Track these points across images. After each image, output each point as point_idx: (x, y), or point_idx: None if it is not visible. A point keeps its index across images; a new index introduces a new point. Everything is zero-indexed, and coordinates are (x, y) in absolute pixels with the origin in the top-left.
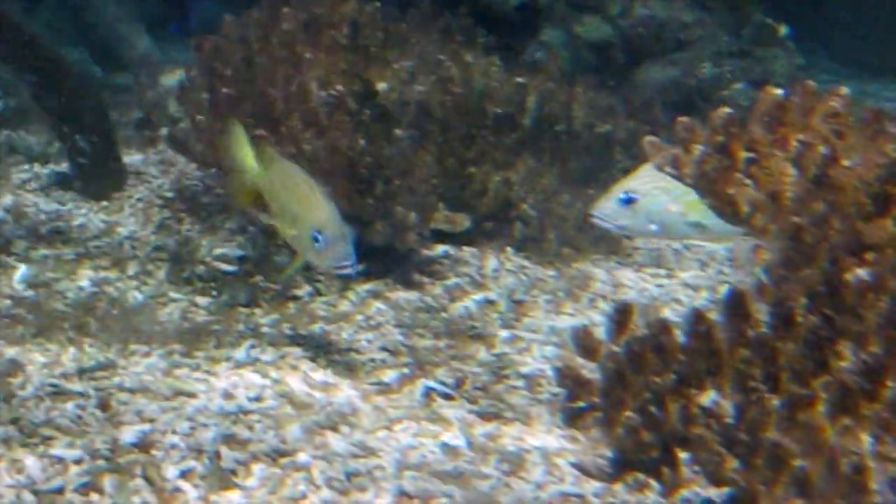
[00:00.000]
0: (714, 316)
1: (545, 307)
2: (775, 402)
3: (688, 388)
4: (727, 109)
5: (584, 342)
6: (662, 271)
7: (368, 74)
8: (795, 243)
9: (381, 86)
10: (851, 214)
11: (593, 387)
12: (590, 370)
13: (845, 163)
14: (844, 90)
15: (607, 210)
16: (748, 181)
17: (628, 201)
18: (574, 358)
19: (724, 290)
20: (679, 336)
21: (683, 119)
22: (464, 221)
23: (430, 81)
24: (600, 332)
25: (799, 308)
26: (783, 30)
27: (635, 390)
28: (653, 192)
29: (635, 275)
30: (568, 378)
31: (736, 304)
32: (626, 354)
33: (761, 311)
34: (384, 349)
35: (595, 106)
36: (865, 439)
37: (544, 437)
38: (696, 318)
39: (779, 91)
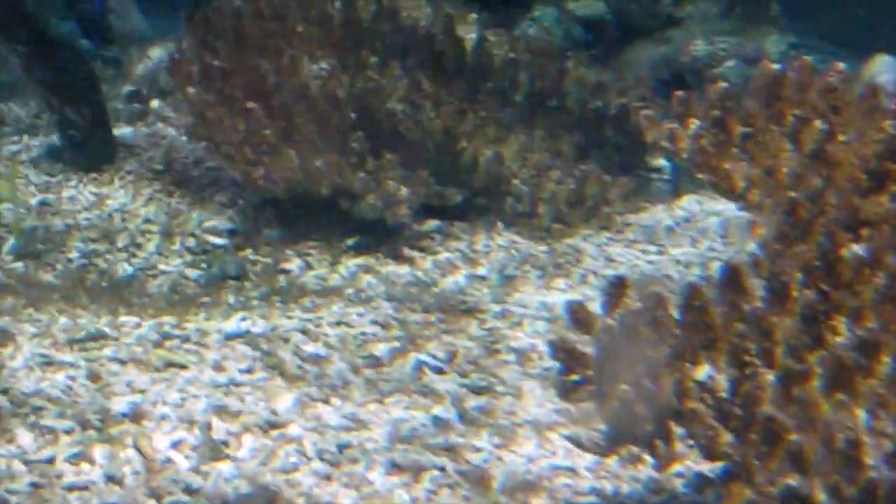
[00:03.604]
0: (709, 290)
1: (536, 282)
2: (770, 376)
3: (682, 362)
4: (724, 84)
5: (578, 316)
6: (653, 247)
7: (360, 48)
8: (791, 218)
9: (373, 59)
10: (848, 190)
11: (587, 360)
12: (583, 343)
13: (842, 138)
14: (841, 65)
15: None
16: (744, 156)
17: None
18: (566, 332)
19: (715, 266)
20: (674, 310)
21: (680, 93)
22: (455, 196)
23: (422, 56)
24: (593, 307)
25: (794, 283)
26: (775, 7)
27: (629, 364)
28: None
29: (626, 250)
30: (562, 351)
31: (731, 279)
32: (621, 328)
33: (756, 286)
34: (375, 323)
35: (587, 82)
36: (860, 415)
37: (536, 410)
38: (692, 292)
39: (776, 66)
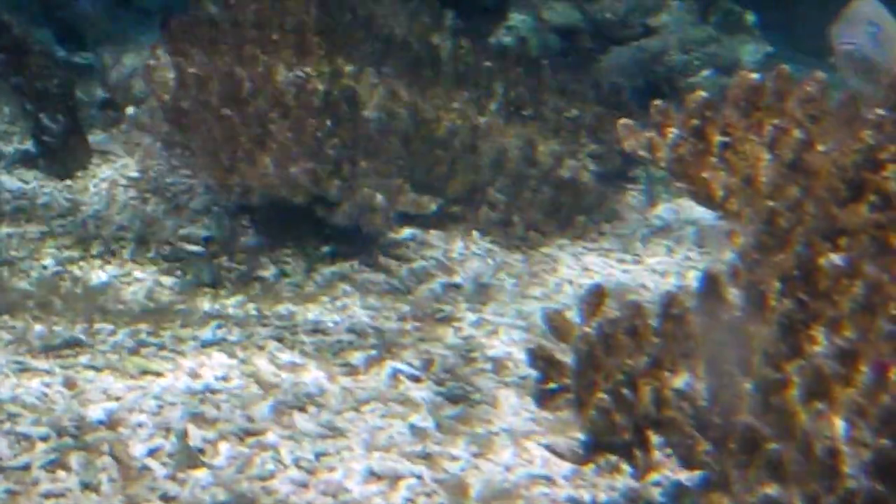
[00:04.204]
0: (687, 299)
1: (511, 291)
2: (748, 385)
3: (661, 370)
4: (702, 93)
5: (556, 324)
6: (629, 257)
7: (335, 56)
8: (769, 227)
9: (348, 68)
10: (826, 199)
11: (565, 368)
12: (561, 352)
13: (820, 147)
14: (821, 75)
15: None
16: (722, 165)
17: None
18: (543, 341)
19: (691, 275)
20: (652, 318)
21: (658, 102)
22: (430, 204)
23: (398, 63)
24: (569, 316)
25: (772, 292)
26: (750, 17)
27: (608, 372)
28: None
29: (602, 260)
30: (540, 359)
31: (709, 288)
32: (599, 336)
33: (734, 295)
34: (351, 331)
35: (562, 91)
36: (839, 424)
37: (512, 419)
38: (670, 300)
39: (754, 75)
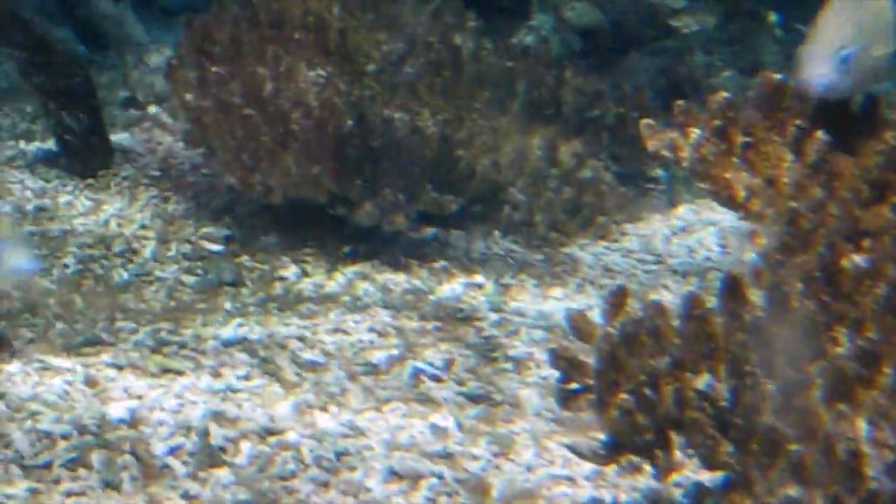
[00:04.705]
0: (709, 300)
1: (533, 291)
2: (771, 386)
3: (683, 371)
4: (725, 94)
5: (578, 324)
6: (650, 257)
7: (358, 55)
8: (792, 228)
9: (371, 67)
10: (849, 200)
11: (587, 369)
12: (584, 352)
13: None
14: None
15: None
16: (745, 166)
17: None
18: (564, 341)
19: (712, 276)
20: (674, 319)
21: (681, 103)
22: (452, 204)
23: (420, 63)
24: (591, 317)
25: (795, 293)
26: (772, 18)
27: (630, 373)
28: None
29: (623, 259)
30: (562, 359)
31: (732, 288)
32: (621, 337)
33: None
34: (372, 330)
35: (584, 91)
36: (861, 425)
37: (534, 419)
38: (692, 301)
39: (777, 75)
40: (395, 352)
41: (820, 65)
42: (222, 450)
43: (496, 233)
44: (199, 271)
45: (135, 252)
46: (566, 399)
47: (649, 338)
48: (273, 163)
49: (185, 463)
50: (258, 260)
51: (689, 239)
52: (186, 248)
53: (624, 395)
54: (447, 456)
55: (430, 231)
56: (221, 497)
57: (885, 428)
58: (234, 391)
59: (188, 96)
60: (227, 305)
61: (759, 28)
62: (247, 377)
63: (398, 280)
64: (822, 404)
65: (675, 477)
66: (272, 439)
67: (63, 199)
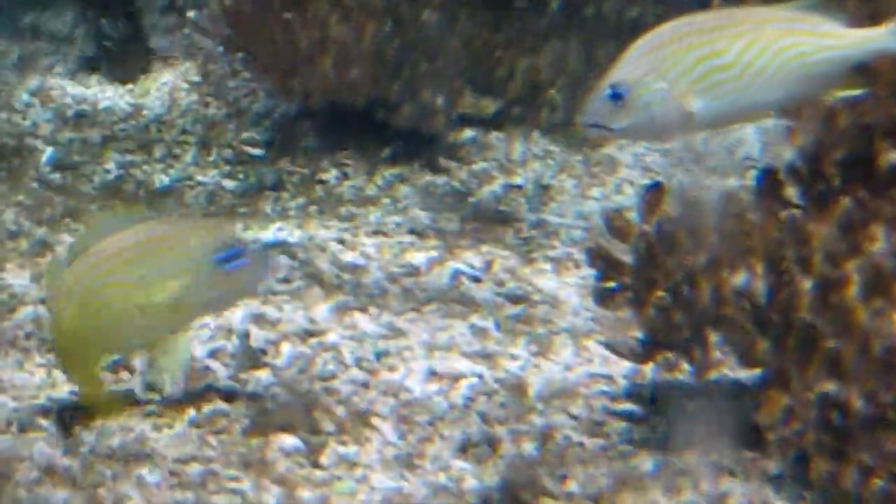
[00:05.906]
0: (747, 197)
1: (572, 192)
2: (808, 283)
3: (720, 268)
4: None
5: (615, 223)
6: (689, 156)
7: None
8: (829, 125)
9: None
10: (887, 97)
11: (624, 267)
12: (621, 251)
13: None
14: None
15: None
16: None
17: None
18: (603, 240)
19: (752, 174)
20: (711, 216)
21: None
22: (490, 106)
23: None
24: (629, 215)
25: (832, 191)
26: None
27: (667, 271)
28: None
29: (662, 160)
30: (599, 258)
31: (769, 186)
32: (658, 235)
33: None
34: (412, 232)
35: None
36: None
37: (572, 319)
38: (729, 198)
39: None
40: (434, 253)
41: (593, 104)
42: (263, 352)
43: (535, 134)
44: (240, 176)
45: (175, 157)
46: (604, 298)
47: (686, 235)
48: (312, 67)
49: (225, 365)
50: (298, 164)
51: (729, 138)
52: (227, 152)
53: (661, 293)
54: (486, 356)
55: (469, 133)
56: (262, 397)
57: None
58: (275, 293)
59: (227, 1)
60: (268, 209)
61: None
62: (287, 279)
63: (438, 182)
64: (859, 301)
65: (712, 374)
66: (312, 341)
67: (103, 105)
